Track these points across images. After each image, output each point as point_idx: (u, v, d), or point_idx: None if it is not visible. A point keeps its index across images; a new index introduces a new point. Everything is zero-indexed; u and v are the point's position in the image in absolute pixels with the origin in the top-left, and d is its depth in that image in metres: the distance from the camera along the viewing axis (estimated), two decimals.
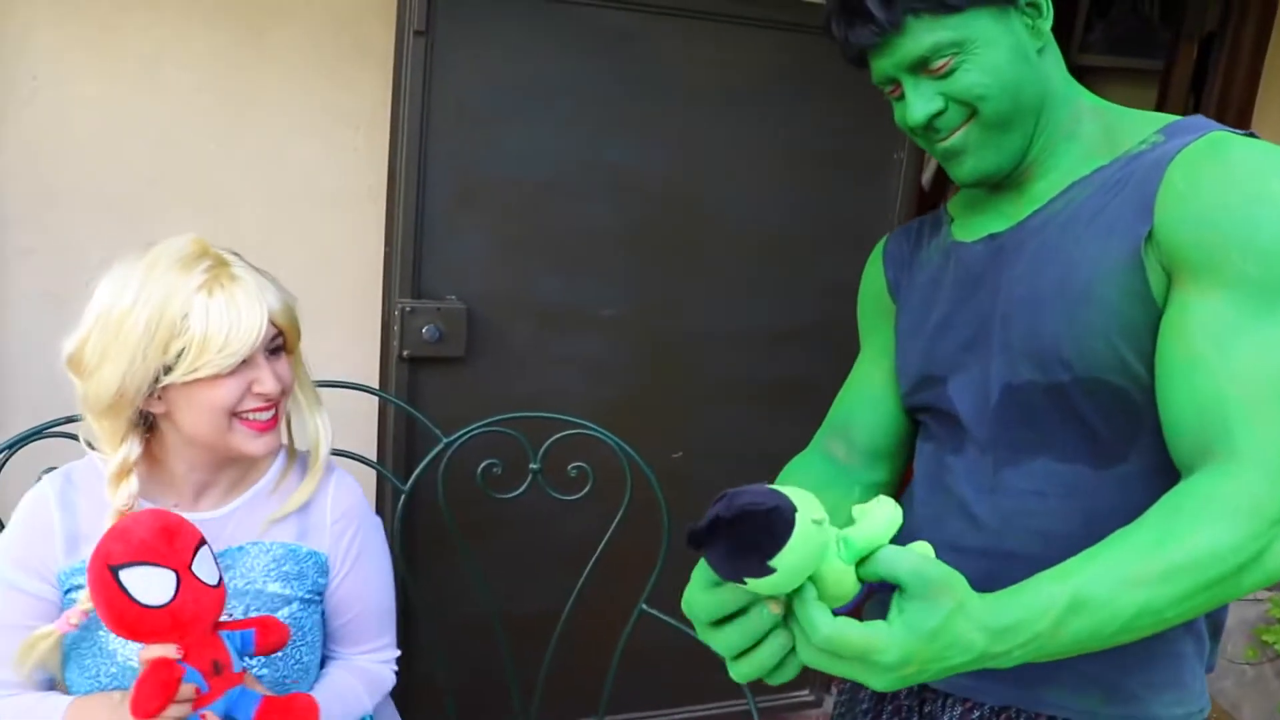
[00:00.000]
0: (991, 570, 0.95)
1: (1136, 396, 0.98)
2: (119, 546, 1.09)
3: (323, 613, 1.37)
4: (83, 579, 1.18)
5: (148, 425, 1.25)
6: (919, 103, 1.03)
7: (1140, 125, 1.05)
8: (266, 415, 1.24)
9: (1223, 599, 0.86)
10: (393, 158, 2.06)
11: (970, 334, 1.09)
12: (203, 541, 1.14)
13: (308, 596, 1.32)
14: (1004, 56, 1.01)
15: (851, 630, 0.76)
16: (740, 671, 0.82)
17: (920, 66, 1.02)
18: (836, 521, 0.81)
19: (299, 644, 1.30)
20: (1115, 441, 1.01)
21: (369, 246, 2.16)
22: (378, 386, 2.14)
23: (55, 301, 2.10)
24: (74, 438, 1.45)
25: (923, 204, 2.50)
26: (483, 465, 1.68)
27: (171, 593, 1.09)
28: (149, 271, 1.17)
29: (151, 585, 1.08)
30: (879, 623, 0.78)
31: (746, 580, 0.72)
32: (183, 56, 2.03)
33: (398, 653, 1.47)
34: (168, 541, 1.11)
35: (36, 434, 1.54)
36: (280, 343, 1.25)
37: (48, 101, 1.99)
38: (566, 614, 1.74)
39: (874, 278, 1.30)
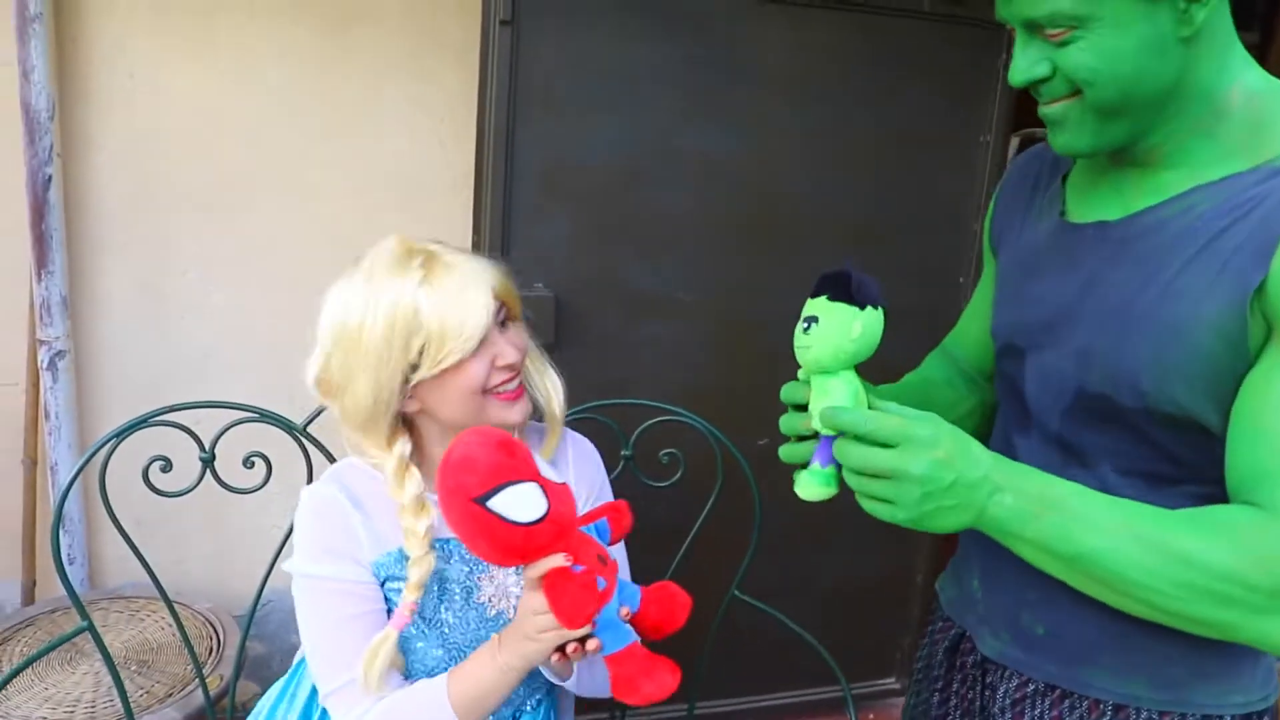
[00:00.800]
0: None
1: (1209, 431, 0.94)
2: (473, 478, 1.06)
3: None
4: (396, 570, 1.23)
5: (408, 424, 1.28)
6: (1022, 63, 0.95)
7: None
8: (514, 384, 1.26)
9: (1207, 620, 0.87)
10: (479, 147, 2.08)
11: (1056, 316, 1.06)
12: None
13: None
14: (1130, 44, 0.89)
15: (886, 415, 0.90)
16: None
17: (1035, 27, 0.92)
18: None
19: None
20: (1178, 465, 0.98)
21: (456, 236, 2.17)
22: None
23: (151, 293, 2.16)
24: (179, 426, 1.49)
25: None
26: None
27: (545, 503, 1.07)
28: (368, 281, 1.19)
29: (524, 502, 1.07)
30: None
31: (879, 305, 0.96)
32: (272, 55, 2.08)
33: None
34: (511, 455, 1.09)
35: (141, 423, 1.57)
36: (506, 314, 1.27)
37: (144, 100, 2.05)
38: None
39: (988, 222, 1.28)
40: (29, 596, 2.21)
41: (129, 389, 2.16)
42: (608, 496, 1.46)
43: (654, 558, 1.80)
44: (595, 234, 2.12)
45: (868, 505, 0.92)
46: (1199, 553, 0.85)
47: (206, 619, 2.06)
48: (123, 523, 1.49)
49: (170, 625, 2.04)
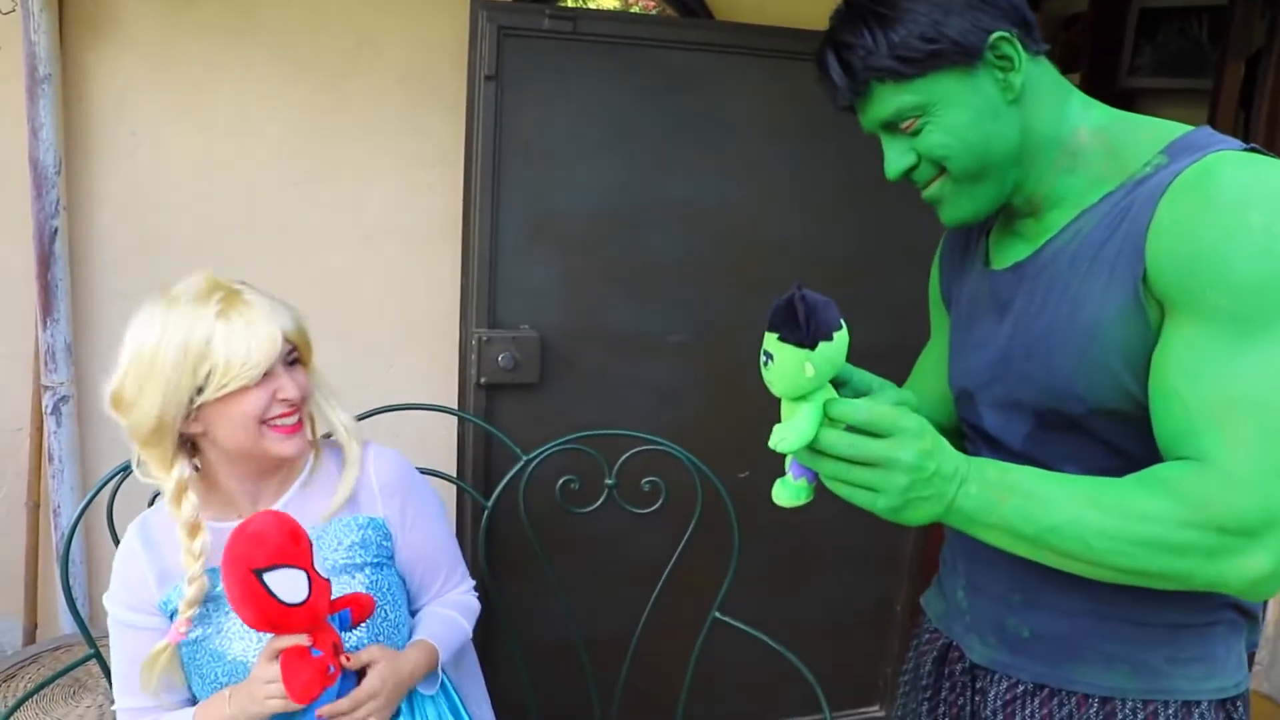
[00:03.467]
0: (1020, 562, 1.02)
1: (1148, 421, 1.03)
2: (259, 551, 1.20)
3: (397, 573, 1.49)
4: (178, 602, 1.34)
5: (191, 449, 1.38)
6: (893, 157, 1.10)
7: (1147, 143, 1.05)
8: (292, 420, 1.36)
9: (1166, 572, 0.94)
10: (467, 195, 2.16)
11: (996, 355, 1.17)
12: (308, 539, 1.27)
13: (376, 560, 1.45)
14: (967, 117, 1.04)
15: (880, 405, 0.93)
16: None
17: (891, 126, 1.09)
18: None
19: (383, 604, 1.43)
20: (1133, 457, 1.06)
21: (446, 280, 2.27)
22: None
23: None
24: None
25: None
26: (561, 481, 1.77)
27: (306, 590, 1.22)
28: (169, 309, 1.30)
29: (291, 585, 1.21)
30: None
31: (832, 335, 0.93)
32: (269, 109, 2.16)
33: (473, 581, 1.61)
34: (295, 542, 1.23)
35: None
36: (296, 356, 1.39)
37: (146, 155, 2.13)
38: (641, 627, 1.81)
39: (934, 279, 1.41)
40: (30, 639, 2.27)
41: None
42: (425, 494, 1.56)
43: (637, 587, 1.86)
44: (580, 277, 2.20)
45: (848, 493, 0.95)
46: (1150, 508, 0.93)
47: None
48: None
49: None
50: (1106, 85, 3.21)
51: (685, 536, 1.78)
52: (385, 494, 1.49)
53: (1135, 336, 1.00)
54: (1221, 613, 1.12)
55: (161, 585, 1.38)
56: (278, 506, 1.43)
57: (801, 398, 0.97)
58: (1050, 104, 1.08)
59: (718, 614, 1.80)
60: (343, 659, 1.30)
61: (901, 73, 1.03)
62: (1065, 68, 3.66)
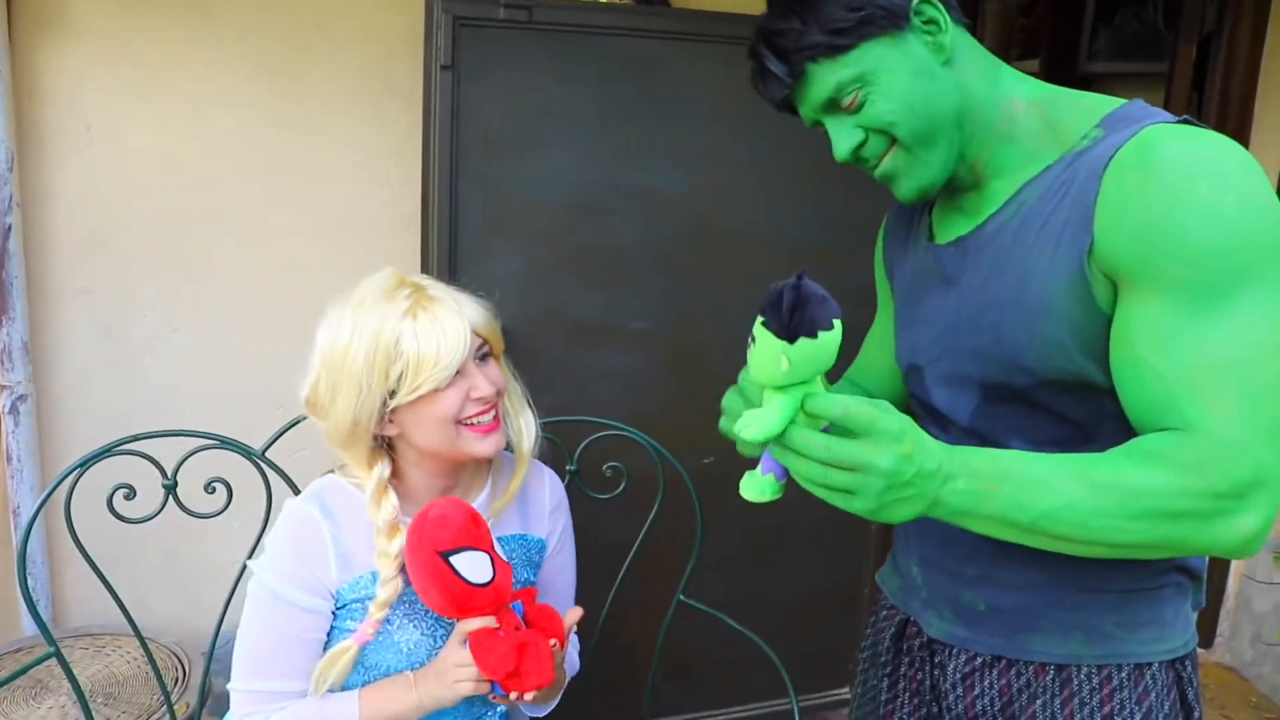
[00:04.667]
0: (975, 538, 1.03)
1: (1096, 389, 1.05)
2: (444, 534, 1.24)
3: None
4: (359, 593, 1.33)
5: (388, 447, 1.38)
6: (841, 138, 1.11)
7: (1082, 116, 1.07)
8: (488, 417, 1.34)
9: (1163, 542, 0.95)
10: (425, 187, 2.17)
11: (943, 329, 1.19)
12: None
13: (531, 577, 1.48)
14: (905, 81, 1.06)
15: (859, 403, 0.91)
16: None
17: (833, 106, 1.09)
18: None
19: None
20: (1082, 426, 1.09)
21: (405, 273, 2.27)
22: None
23: (111, 336, 2.22)
24: (141, 455, 1.56)
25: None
26: None
27: (490, 571, 1.26)
28: (357, 309, 1.30)
29: (476, 566, 1.25)
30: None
31: (816, 333, 0.89)
32: (227, 103, 2.16)
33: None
34: (477, 525, 1.28)
35: (105, 452, 1.63)
36: (487, 350, 1.37)
37: (101, 150, 2.13)
38: (606, 610, 1.82)
39: (879, 256, 1.43)
40: None
41: (90, 431, 2.23)
42: (568, 528, 1.58)
43: (600, 574, 1.87)
44: (542, 267, 2.21)
45: (823, 494, 0.93)
46: (1146, 482, 0.93)
47: (172, 652, 2.12)
48: (88, 566, 1.56)
49: (134, 660, 2.09)
50: (1066, 71, 3.26)
51: (648, 521, 1.79)
52: (554, 515, 1.52)
53: (1081, 309, 1.02)
54: (1169, 576, 1.15)
55: (343, 570, 1.33)
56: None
57: (779, 389, 0.94)
58: (981, 69, 1.10)
59: (682, 597, 1.82)
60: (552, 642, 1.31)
61: (835, 45, 1.05)
62: (1024, 54, 3.72)
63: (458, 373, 1.29)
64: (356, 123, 2.23)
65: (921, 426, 1.27)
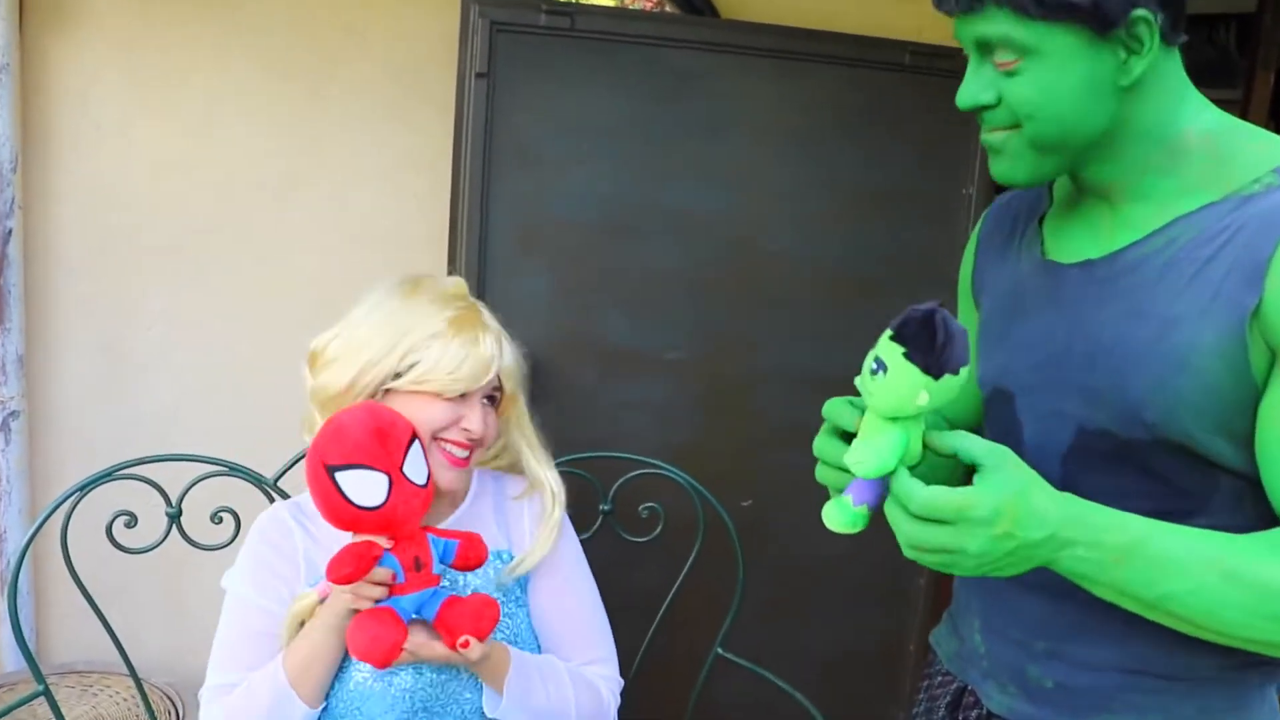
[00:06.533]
0: (1046, 610, 1.02)
1: (1215, 459, 1.01)
2: (335, 447, 1.25)
3: (528, 620, 1.49)
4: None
5: None
6: (971, 85, 1.05)
7: (1256, 158, 1.02)
8: (462, 453, 1.39)
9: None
10: (454, 201, 2.14)
11: (1045, 358, 1.13)
12: (414, 438, 1.32)
13: (515, 596, 1.46)
14: (1070, 83, 1.00)
15: (945, 492, 0.90)
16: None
17: (987, 50, 1.03)
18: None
19: (508, 637, 1.43)
20: (1188, 495, 1.04)
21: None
22: None
23: (112, 351, 2.21)
24: (145, 480, 1.54)
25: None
26: None
27: (384, 495, 1.25)
28: (408, 298, 1.40)
29: (366, 487, 1.25)
30: (965, 488, 0.91)
31: (959, 370, 0.90)
32: (243, 106, 2.15)
33: (618, 676, 1.56)
34: (380, 442, 1.27)
35: (105, 477, 1.61)
36: (497, 397, 1.44)
37: (110, 151, 2.12)
38: (638, 662, 1.79)
39: (967, 265, 1.36)
40: None
41: (85, 452, 2.20)
42: (572, 549, 1.56)
43: (635, 618, 1.84)
44: (572, 289, 2.18)
45: (921, 558, 0.95)
46: (1273, 575, 0.91)
47: (165, 694, 2.08)
48: (76, 596, 1.54)
49: (124, 700, 2.06)
50: None
51: (685, 567, 1.76)
52: (534, 532, 1.51)
53: (1229, 374, 0.97)
54: (1254, 659, 1.10)
55: (310, 574, 1.38)
56: (447, 524, 1.44)
57: (895, 420, 0.94)
58: (1164, 100, 1.04)
59: (720, 650, 1.79)
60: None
61: (1028, 9, 0.97)
62: None
63: (462, 395, 1.36)
64: (382, 130, 2.21)
65: None
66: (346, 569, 1.23)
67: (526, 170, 2.10)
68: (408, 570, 1.27)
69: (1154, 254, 1.04)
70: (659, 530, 1.77)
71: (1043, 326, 1.15)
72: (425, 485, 1.31)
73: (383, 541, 1.27)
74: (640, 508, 1.77)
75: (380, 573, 1.25)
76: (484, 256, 2.10)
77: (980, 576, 0.95)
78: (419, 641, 1.27)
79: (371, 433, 1.26)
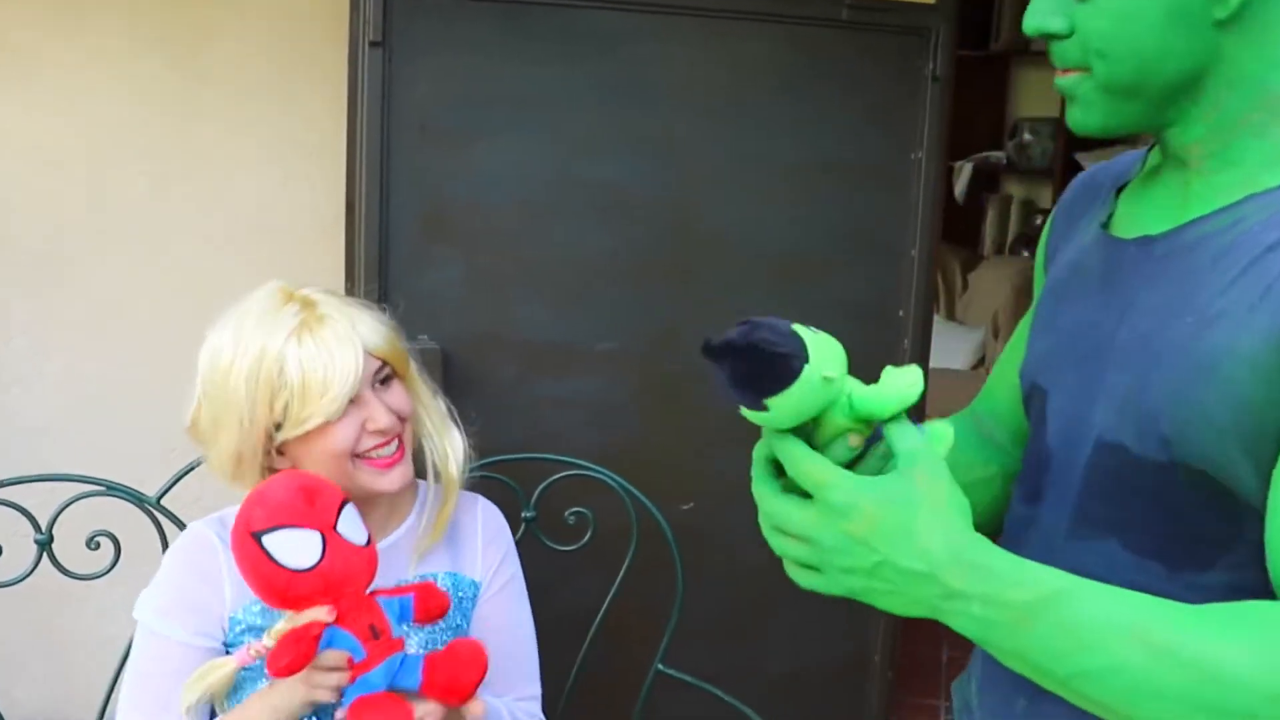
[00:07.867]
0: None
1: (1237, 493, 0.88)
2: (259, 511, 1.20)
3: None
4: (254, 620, 1.32)
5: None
6: (1043, 10, 0.94)
7: None
8: (389, 450, 1.35)
9: None
10: (350, 186, 2.11)
11: (1083, 349, 1.02)
12: (346, 501, 1.25)
13: (462, 623, 1.45)
14: (1154, 14, 0.87)
15: (816, 458, 0.83)
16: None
17: None
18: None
19: None
20: (1203, 542, 0.92)
21: (328, 284, 2.20)
22: None
23: None
24: (8, 504, 1.49)
25: (952, 212, 2.52)
26: None
27: (318, 554, 1.20)
28: (238, 329, 1.30)
29: (296, 548, 1.20)
30: (842, 469, 0.84)
31: (741, 407, 0.83)
32: (108, 85, 2.11)
33: (539, 702, 1.55)
34: (308, 502, 1.22)
35: None
36: (389, 372, 1.37)
37: None
38: (570, 684, 1.76)
39: (1043, 240, 1.23)
40: None
41: None
42: (518, 570, 1.55)
43: (564, 639, 1.80)
44: (488, 278, 2.14)
45: (792, 571, 0.87)
46: (1231, 663, 0.76)
47: None
48: None
49: None
50: None
51: (619, 577, 1.74)
52: (488, 551, 1.50)
53: (1263, 391, 0.83)
54: None
55: (238, 595, 1.33)
56: (384, 544, 1.39)
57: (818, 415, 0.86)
58: (1270, 40, 0.89)
59: (660, 666, 1.76)
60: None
61: None
62: None
63: (351, 402, 1.30)
64: (268, 109, 2.18)
65: (1015, 485, 1.14)
66: (285, 659, 1.17)
67: (431, 148, 2.06)
68: (366, 641, 1.23)
69: (1216, 234, 0.91)
70: (588, 538, 1.75)
71: (1089, 312, 1.02)
72: (367, 545, 1.26)
73: (325, 615, 1.21)
74: (566, 513, 1.74)
75: (331, 656, 1.20)
76: (385, 246, 2.05)
77: (855, 598, 0.84)
78: (427, 708, 1.23)
79: (295, 491, 1.22)
